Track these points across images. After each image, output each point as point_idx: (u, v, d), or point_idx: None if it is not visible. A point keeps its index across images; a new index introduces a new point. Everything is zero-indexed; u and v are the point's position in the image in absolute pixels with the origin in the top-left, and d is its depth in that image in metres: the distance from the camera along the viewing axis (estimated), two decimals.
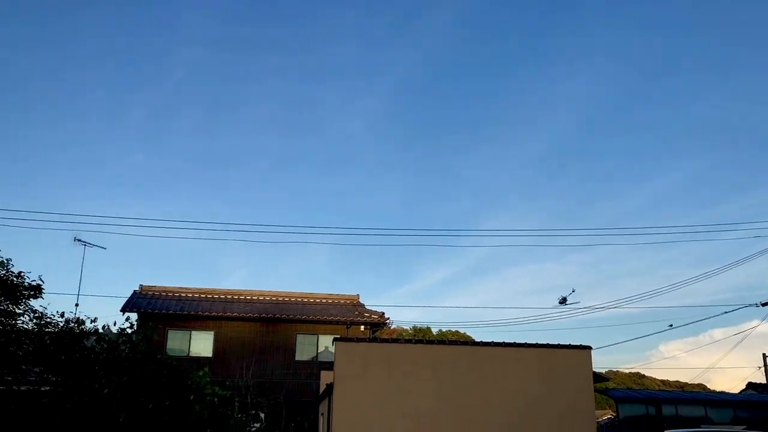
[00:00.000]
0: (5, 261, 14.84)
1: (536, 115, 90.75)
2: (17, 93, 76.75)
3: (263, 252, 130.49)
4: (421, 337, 58.09)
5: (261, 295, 31.07)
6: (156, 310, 26.50)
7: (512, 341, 17.41)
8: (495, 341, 17.57)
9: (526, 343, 17.50)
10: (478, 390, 16.88)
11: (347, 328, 28.38)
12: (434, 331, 67.31)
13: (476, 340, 28.95)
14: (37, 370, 15.27)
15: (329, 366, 18.16)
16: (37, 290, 15.08)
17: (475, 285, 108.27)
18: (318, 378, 23.71)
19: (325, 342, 27.73)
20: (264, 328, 28.13)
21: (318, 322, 28.60)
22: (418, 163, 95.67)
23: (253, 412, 15.44)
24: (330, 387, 16.71)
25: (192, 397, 15.22)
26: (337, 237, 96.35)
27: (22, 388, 15.09)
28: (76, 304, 31.95)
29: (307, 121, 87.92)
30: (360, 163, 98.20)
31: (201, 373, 15.75)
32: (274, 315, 28.48)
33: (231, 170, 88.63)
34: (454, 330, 66.91)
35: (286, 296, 31.55)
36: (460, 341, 28.98)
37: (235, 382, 20.26)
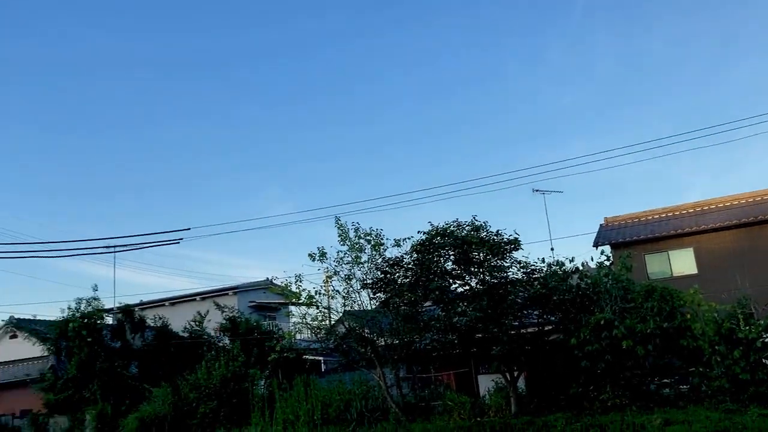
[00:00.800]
0: (483, 224, 16.70)
1: None
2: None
3: (720, 155, 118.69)
4: None
5: (735, 200, 28.41)
6: (627, 238, 26.49)
7: None
8: None
9: None
10: None
11: None
12: None
13: None
14: (536, 312, 16.81)
15: None
16: (515, 244, 16.55)
17: None
18: None
19: None
20: (749, 233, 25.68)
21: None
22: None
23: (762, 322, 14.29)
24: None
25: (688, 316, 14.84)
26: None
27: (529, 330, 16.80)
28: (551, 249, 34.01)
29: None
30: None
31: (692, 291, 15.25)
32: (757, 217, 25.75)
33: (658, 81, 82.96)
34: None
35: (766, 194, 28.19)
36: None
37: (731, 294, 19.00)
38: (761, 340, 13.75)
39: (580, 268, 17.50)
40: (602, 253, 18.30)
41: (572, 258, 17.25)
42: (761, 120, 18.65)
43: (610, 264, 17.73)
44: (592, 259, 17.26)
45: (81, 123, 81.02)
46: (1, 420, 24.98)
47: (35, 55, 76.64)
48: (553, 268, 17.15)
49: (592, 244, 26.59)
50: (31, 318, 28.83)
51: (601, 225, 29.59)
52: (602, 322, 14.70)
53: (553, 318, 16.84)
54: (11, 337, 28.62)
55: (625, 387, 14.79)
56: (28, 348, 26.63)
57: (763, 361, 13.84)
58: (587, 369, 15.00)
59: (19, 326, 27.78)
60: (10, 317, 28.05)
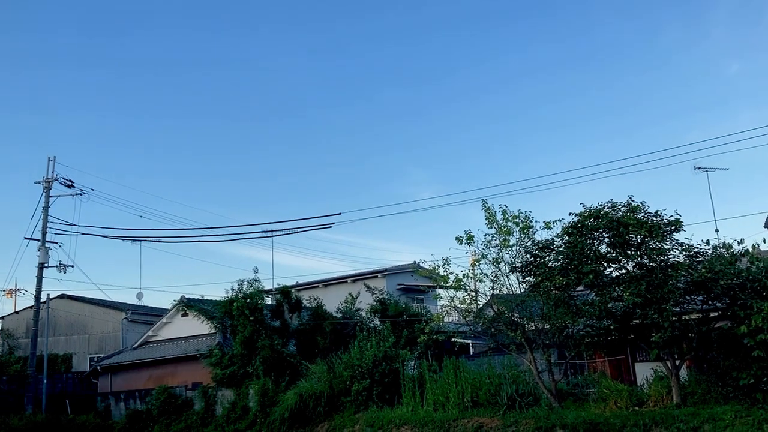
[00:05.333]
0: (641, 204, 15.88)
1: None
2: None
3: None
4: None
5: None
6: None
7: None
8: None
9: None
10: None
11: None
12: None
13: None
14: (700, 298, 15.77)
15: None
16: (676, 225, 15.60)
17: None
18: None
19: None
20: None
21: None
22: None
23: None
24: None
25: None
26: None
27: (692, 316, 15.80)
28: (716, 230, 31.67)
29: None
30: None
31: None
32: None
33: None
34: None
35: None
36: None
37: None
38: None
39: (750, 250, 16.17)
40: None
41: (741, 240, 15.97)
42: None
43: None
44: (764, 241, 15.85)
45: (245, 112, 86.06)
46: (176, 391, 27.22)
47: (213, 52, 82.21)
48: (719, 250, 16.00)
49: (763, 224, 24.52)
50: (200, 298, 31.14)
51: None
52: None
53: (719, 304, 15.73)
54: (183, 315, 31.01)
55: None
56: (197, 325, 28.75)
57: None
58: (760, 359, 13.91)
59: (189, 305, 30.02)
60: (182, 297, 30.39)
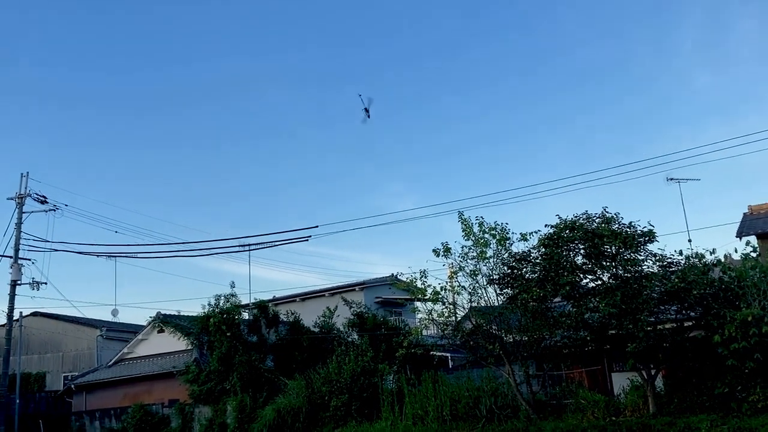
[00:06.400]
0: (615, 216, 16.06)
1: None
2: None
3: None
4: None
5: None
6: None
7: None
8: None
9: None
10: None
11: None
12: None
13: None
14: (674, 308, 15.95)
15: None
16: (650, 236, 15.81)
17: None
18: None
19: None
20: None
21: None
22: None
23: None
24: None
25: None
26: None
27: (667, 326, 15.97)
28: (689, 240, 32.03)
29: None
30: None
31: None
32: None
33: None
34: None
35: None
36: None
37: None
38: None
39: (723, 260, 16.42)
40: (747, 244, 17.05)
41: (713, 250, 16.22)
42: None
43: (758, 256, 16.50)
44: (735, 251, 16.13)
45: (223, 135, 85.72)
46: (153, 408, 26.88)
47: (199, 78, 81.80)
48: (692, 260, 16.23)
49: (735, 234, 24.85)
50: (176, 314, 30.81)
51: (744, 214, 27.56)
52: (750, 318, 13.71)
53: (692, 314, 15.93)
54: (159, 332, 30.69)
55: None
56: (173, 342, 28.45)
57: None
58: (734, 368, 14.08)
59: (165, 321, 29.73)
60: (158, 313, 30.08)
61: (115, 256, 29.70)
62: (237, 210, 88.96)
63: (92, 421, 29.10)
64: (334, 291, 38.52)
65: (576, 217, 16.28)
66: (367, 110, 24.93)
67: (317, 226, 26.88)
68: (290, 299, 39.78)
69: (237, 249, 27.34)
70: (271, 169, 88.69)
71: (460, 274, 18.78)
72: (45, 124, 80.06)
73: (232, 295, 25.52)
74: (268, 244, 27.04)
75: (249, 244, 27.12)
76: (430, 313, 19.20)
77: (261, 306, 26.90)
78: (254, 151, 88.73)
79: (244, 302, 26.95)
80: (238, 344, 24.24)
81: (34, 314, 37.02)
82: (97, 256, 29.69)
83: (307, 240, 26.63)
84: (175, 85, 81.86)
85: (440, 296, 18.64)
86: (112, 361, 32.57)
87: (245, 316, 27.18)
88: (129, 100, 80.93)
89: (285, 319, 27.11)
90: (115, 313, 35.77)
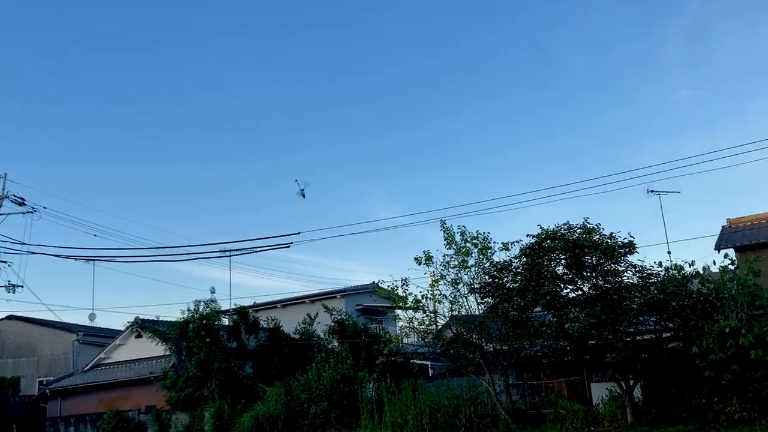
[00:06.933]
0: (596, 226, 16.15)
1: None
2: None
3: None
4: None
5: None
6: (754, 240, 24.82)
7: None
8: None
9: None
10: None
11: None
12: None
13: None
14: (653, 319, 16.08)
15: None
16: (630, 247, 15.94)
17: None
18: None
19: None
20: None
21: None
22: None
23: None
24: None
25: None
26: None
27: (646, 337, 16.09)
28: (668, 252, 32.32)
29: None
30: None
31: None
32: None
33: None
34: None
35: None
36: None
37: None
38: None
39: (701, 272, 16.59)
40: (726, 256, 17.24)
41: (692, 262, 16.40)
42: None
43: (735, 268, 16.69)
44: (714, 263, 16.31)
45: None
46: (129, 414, 26.53)
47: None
48: (671, 272, 16.39)
49: (713, 247, 25.12)
50: (155, 319, 30.48)
51: (723, 227, 27.90)
52: (727, 330, 13.87)
53: (671, 325, 16.08)
54: (137, 337, 30.32)
55: (754, 399, 13.91)
56: (151, 347, 28.14)
57: None
58: (711, 379, 14.21)
59: (143, 326, 29.39)
60: (136, 318, 29.74)
61: (94, 260, 29.35)
62: (219, 217, 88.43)
63: (67, 426, 28.66)
64: (315, 298, 38.36)
65: (557, 227, 16.38)
66: (303, 192, 29.47)
67: (299, 233, 26.75)
68: (271, 305, 39.56)
69: (217, 254, 27.16)
70: (253, 177, 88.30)
71: (442, 282, 18.83)
72: (22, 126, 79.16)
73: (212, 301, 25.36)
74: (248, 250, 26.85)
75: (230, 250, 26.92)
76: (411, 321, 19.19)
77: (241, 312, 26.73)
78: (240, 164, 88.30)
79: (224, 308, 26.78)
80: (218, 350, 24.05)
81: (10, 318, 36.51)
82: (75, 259, 29.23)
83: (289, 246, 26.47)
84: (167, 84, 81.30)
85: (421, 304, 18.65)
86: (89, 366, 32.10)
87: (225, 322, 26.97)
88: (115, 99, 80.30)
89: (265, 326, 26.95)
90: (92, 317, 35.24)
